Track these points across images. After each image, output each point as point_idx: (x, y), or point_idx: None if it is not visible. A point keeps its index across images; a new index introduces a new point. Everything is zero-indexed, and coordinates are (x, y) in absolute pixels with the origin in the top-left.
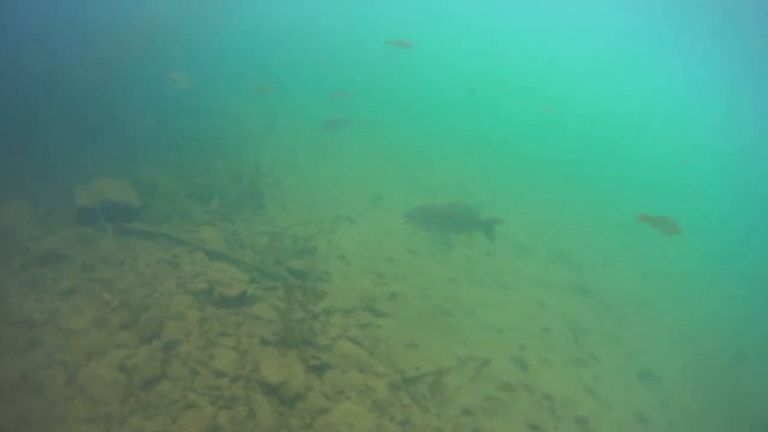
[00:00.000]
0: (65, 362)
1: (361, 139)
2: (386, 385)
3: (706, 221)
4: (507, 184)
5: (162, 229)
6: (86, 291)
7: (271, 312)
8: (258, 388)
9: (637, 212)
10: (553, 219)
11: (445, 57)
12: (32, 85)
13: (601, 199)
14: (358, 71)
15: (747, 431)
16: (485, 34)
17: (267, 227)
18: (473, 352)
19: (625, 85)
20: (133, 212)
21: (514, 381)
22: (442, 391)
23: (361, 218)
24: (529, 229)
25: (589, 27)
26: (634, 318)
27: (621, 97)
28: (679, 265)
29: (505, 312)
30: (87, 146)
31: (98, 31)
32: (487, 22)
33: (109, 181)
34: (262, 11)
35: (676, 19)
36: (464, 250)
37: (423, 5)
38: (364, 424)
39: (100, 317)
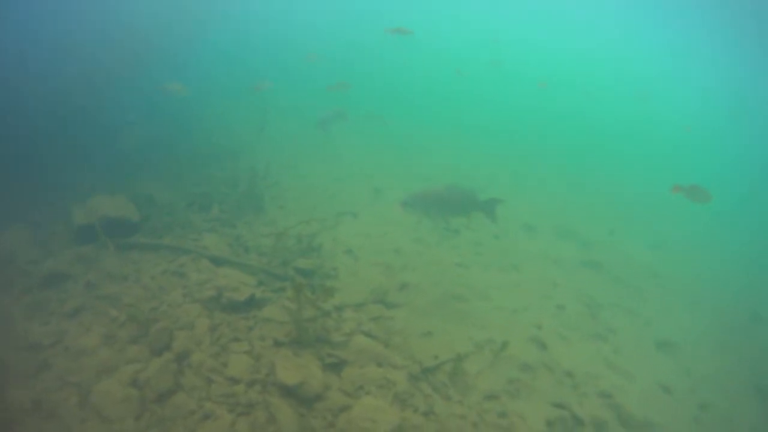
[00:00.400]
0: (76, 383)
1: (358, 134)
2: (406, 377)
3: (713, 186)
4: (507, 166)
5: (164, 240)
6: (92, 309)
7: (281, 313)
8: (275, 391)
9: (641, 185)
10: (556, 197)
11: (437, 43)
12: (19, 106)
13: (603, 174)
14: (353, 65)
15: None
16: (477, 15)
17: (269, 229)
18: (490, 335)
19: (622, 56)
20: (133, 226)
21: (534, 361)
22: (462, 377)
23: (364, 212)
24: (533, 209)
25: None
26: (648, 288)
27: (619, 70)
28: (687, 233)
29: (518, 293)
30: (80, 165)
31: (81, 48)
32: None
33: (105, 197)
34: (248, 12)
35: None
36: (471, 235)
37: None
38: (388, 419)
39: (109, 334)
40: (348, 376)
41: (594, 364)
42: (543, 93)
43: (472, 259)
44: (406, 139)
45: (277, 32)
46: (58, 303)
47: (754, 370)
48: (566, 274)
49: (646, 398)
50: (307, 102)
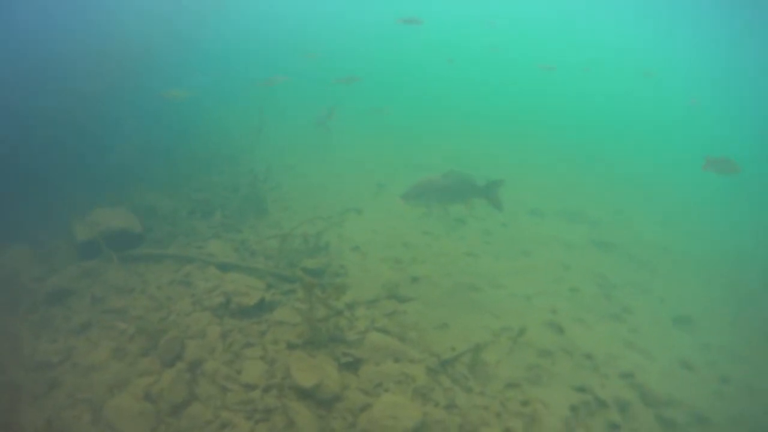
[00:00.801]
0: (88, 400)
1: (357, 129)
2: (424, 371)
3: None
4: (509, 152)
5: (168, 250)
6: (100, 324)
7: (293, 315)
8: (292, 394)
9: (648, 162)
10: (562, 180)
11: (435, 31)
12: (13, 124)
13: (609, 154)
14: (351, 61)
15: None
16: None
17: (274, 231)
18: (506, 323)
19: (622, 32)
20: (137, 238)
21: (552, 346)
22: (482, 367)
23: (369, 207)
24: (540, 194)
25: None
26: (660, 265)
27: (621, 47)
28: (696, 207)
29: (530, 278)
30: (79, 179)
31: (71, 60)
32: None
33: (106, 210)
34: (243, 13)
35: None
36: (479, 224)
37: None
38: (409, 414)
39: (118, 348)
40: (365, 374)
41: (612, 344)
42: (544, 76)
43: (482, 247)
44: (407, 131)
45: (274, 32)
46: (64, 320)
47: None
48: (577, 256)
49: (667, 375)
50: (304, 100)
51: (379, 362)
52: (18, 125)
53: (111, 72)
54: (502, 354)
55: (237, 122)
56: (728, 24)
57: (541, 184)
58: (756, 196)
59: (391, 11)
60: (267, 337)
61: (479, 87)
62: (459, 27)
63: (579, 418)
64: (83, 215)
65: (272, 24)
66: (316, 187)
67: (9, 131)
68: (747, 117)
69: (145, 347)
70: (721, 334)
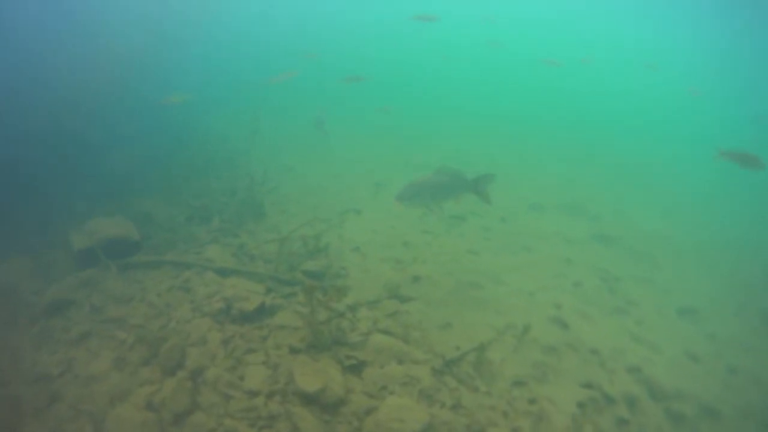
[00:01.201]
0: (90, 411)
1: (354, 128)
2: (429, 372)
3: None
4: (509, 149)
5: (167, 256)
6: (99, 334)
7: (294, 319)
8: (296, 400)
9: (646, 154)
10: (561, 175)
11: (434, 33)
12: (7, 135)
13: (608, 147)
14: (351, 62)
15: None
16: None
17: (273, 234)
18: (510, 320)
19: (621, 25)
20: (134, 245)
21: (558, 342)
22: (487, 366)
23: (367, 208)
24: (539, 188)
25: None
26: (662, 256)
27: (621, 40)
28: (696, 197)
29: (533, 274)
30: (75, 188)
31: (64, 69)
32: None
33: (103, 219)
34: (239, 14)
35: None
36: (478, 220)
37: None
38: (416, 417)
39: (119, 357)
40: (369, 376)
41: (618, 338)
42: (545, 71)
43: (482, 244)
44: (406, 130)
45: (274, 33)
46: (64, 331)
47: None
48: (578, 250)
49: (675, 368)
50: (304, 100)
51: (383, 364)
52: (12, 137)
53: (104, 80)
54: (507, 352)
55: (234, 125)
56: (728, 14)
57: (540, 179)
58: (756, 185)
59: (392, 11)
60: (269, 342)
61: (479, 86)
62: (459, 27)
63: (587, 414)
64: (80, 224)
65: (272, 24)
66: (314, 188)
67: (3, 142)
68: (746, 105)
69: (146, 356)
70: (727, 324)
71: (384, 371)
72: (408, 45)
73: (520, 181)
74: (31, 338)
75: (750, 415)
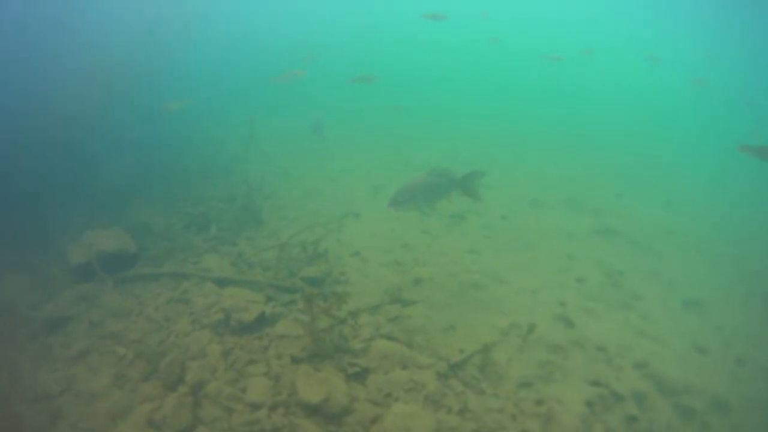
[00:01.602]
0: (92, 430)
1: (351, 131)
2: (434, 376)
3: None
4: (508, 146)
5: (164, 268)
6: (98, 350)
7: (295, 327)
8: (300, 411)
9: (646, 147)
10: (561, 171)
11: (434, 33)
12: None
13: (608, 142)
14: (351, 62)
15: None
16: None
17: (272, 241)
18: (514, 320)
19: (623, 18)
20: (131, 258)
21: (563, 340)
22: (493, 368)
23: (366, 211)
24: (538, 185)
25: None
26: (665, 248)
27: (622, 33)
28: (697, 188)
29: (535, 271)
30: (72, 200)
31: (59, 81)
32: None
33: (99, 231)
34: (235, 15)
35: None
36: (478, 219)
37: None
38: (422, 423)
39: (118, 374)
40: (374, 383)
41: (624, 334)
42: (546, 67)
43: (483, 243)
44: (405, 129)
45: (273, 34)
46: (63, 347)
47: None
48: (581, 245)
49: (682, 361)
50: (304, 101)
51: (387, 370)
52: (7, 151)
53: (99, 90)
54: (512, 352)
55: (231, 130)
56: (729, 6)
57: (540, 175)
58: (757, 174)
59: (391, 11)
60: (270, 352)
61: (479, 85)
62: (459, 27)
63: (596, 413)
64: (76, 238)
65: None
66: (312, 192)
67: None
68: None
69: (146, 372)
70: (733, 315)
71: (388, 377)
72: (408, 45)
73: (520, 178)
74: (31, 355)
75: (759, 405)
